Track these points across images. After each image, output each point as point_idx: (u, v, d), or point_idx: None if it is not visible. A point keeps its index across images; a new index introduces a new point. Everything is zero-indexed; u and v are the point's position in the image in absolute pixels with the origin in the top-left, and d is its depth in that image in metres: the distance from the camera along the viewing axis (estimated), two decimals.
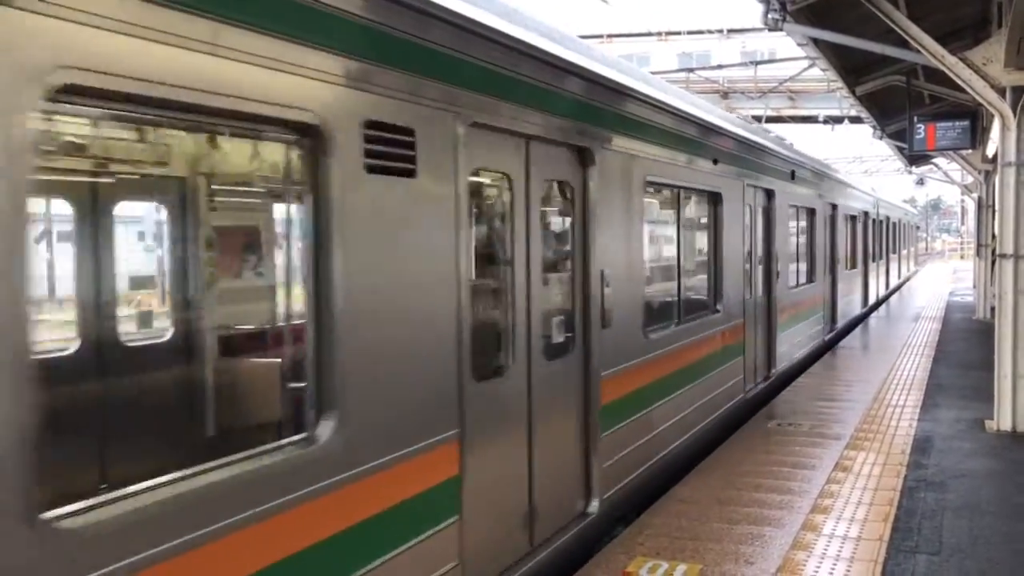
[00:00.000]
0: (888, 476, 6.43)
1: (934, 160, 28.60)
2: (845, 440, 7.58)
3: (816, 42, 10.61)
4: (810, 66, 18.15)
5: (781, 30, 8.31)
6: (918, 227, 44.77)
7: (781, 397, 9.65)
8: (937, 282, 31.50)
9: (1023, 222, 7.51)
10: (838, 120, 33.36)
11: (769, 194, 10.00)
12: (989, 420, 7.92)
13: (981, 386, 9.21)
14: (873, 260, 20.88)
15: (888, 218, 24.63)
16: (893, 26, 7.93)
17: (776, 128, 37.61)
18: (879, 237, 22.16)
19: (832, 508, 5.72)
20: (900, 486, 6.14)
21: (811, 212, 12.66)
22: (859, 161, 53.04)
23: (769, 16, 8.27)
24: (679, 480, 6.46)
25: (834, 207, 14.56)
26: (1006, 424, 7.65)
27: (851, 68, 13.10)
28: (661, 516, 5.60)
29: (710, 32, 46.70)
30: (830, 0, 9.19)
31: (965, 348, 13.10)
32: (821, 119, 37.11)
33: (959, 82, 7.75)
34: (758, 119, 29.31)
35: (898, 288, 27.57)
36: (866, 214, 19.27)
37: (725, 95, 38.21)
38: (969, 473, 6.48)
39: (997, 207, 7.68)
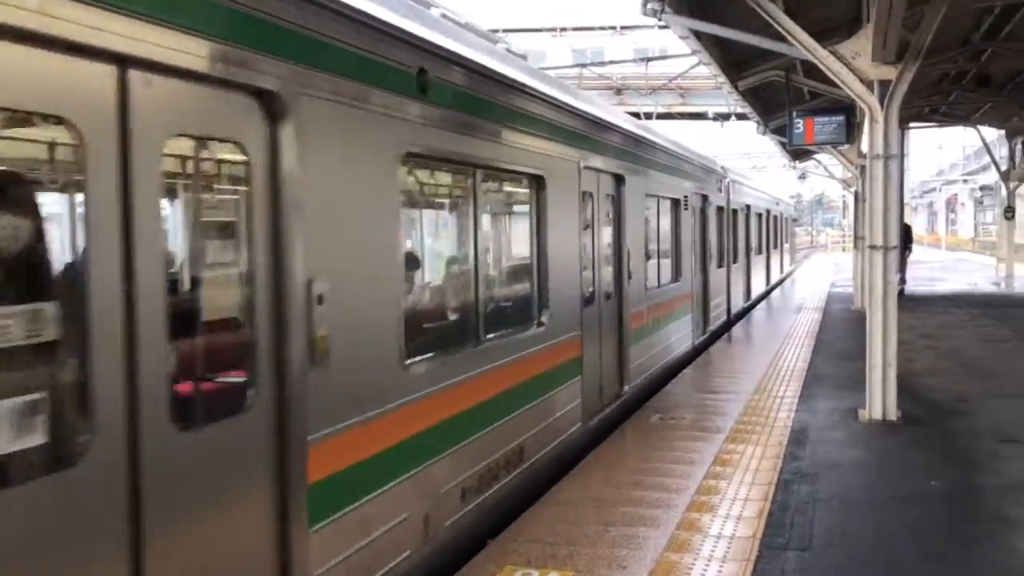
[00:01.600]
0: (765, 469, 6.41)
1: (815, 156, 29.73)
2: (726, 433, 7.58)
3: (698, 36, 10.67)
4: (697, 64, 18.30)
5: (660, 20, 8.23)
6: (796, 220, 42.94)
7: (666, 389, 9.64)
8: (820, 274, 32.73)
9: (891, 214, 7.66)
10: (726, 116, 34.32)
11: (618, 180, 8.47)
12: (862, 409, 8.07)
13: (856, 376, 9.38)
14: (756, 254, 20.46)
15: (768, 211, 23.82)
16: (770, 20, 7.96)
17: (667, 125, 38.42)
18: (760, 231, 21.67)
19: (709, 505, 5.63)
20: (775, 479, 6.13)
21: (676, 203, 11.35)
22: (747, 157, 54.88)
23: (648, 6, 8.19)
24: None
25: (705, 198, 13.49)
26: (876, 413, 7.80)
27: (733, 63, 13.31)
28: (537, 520, 5.38)
29: (602, 28, 47.17)
30: None
31: (843, 338, 13.51)
32: (710, 115, 38.18)
33: (830, 75, 7.85)
34: (649, 116, 29.78)
35: (780, 283, 27.27)
36: (748, 207, 18.62)
37: (618, 91, 38.77)
38: (841, 464, 6.53)
39: (867, 200, 7.81)
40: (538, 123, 6.26)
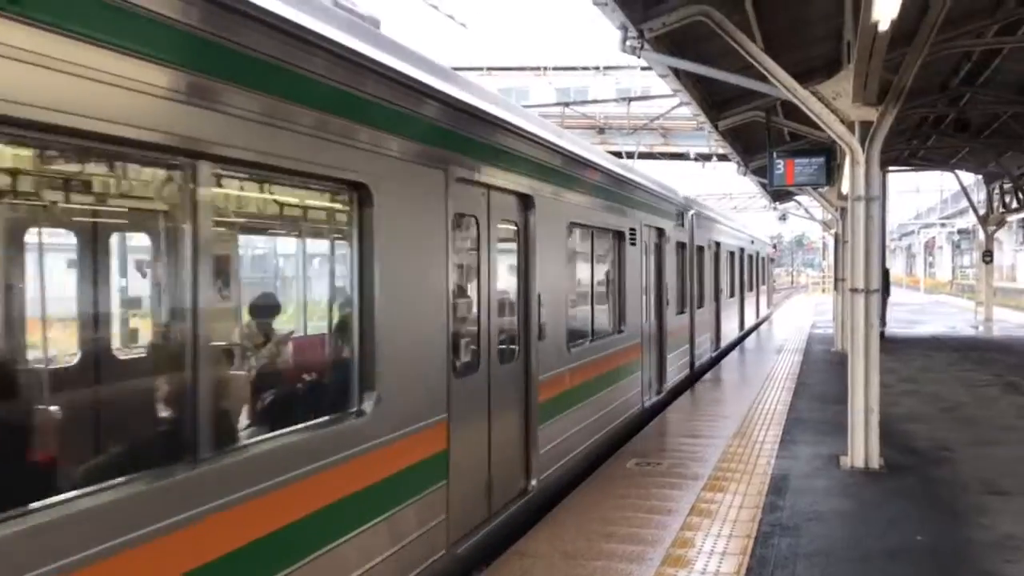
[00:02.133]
0: (744, 520, 6.14)
1: (796, 197, 29.88)
2: (704, 480, 7.31)
3: (677, 74, 10.59)
4: (678, 104, 18.26)
5: (639, 56, 8.11)
6: (773, 260, 39.08)
7: (643, 433, 9.37)
8: (800, 315, 32.69)
9: (873, 256, 7.51)
10: (707, 157, 34.53)
11: (525, 202, 6.44)
12: (844, 456, 7.83)
13: (837, 420, 9.18)
14: (727, 296, 18.54)
15: (742, 250, 21.74)
16: (750, 59, 7.86)
17: (649, 165, 38.60)
18: (732, 271, 19.64)
19: (685, 559, 5.35)
20: (755, 532, 5.85)
21: (619, 236, 9.23)
22: (729, 197, 55.23)
23: (627, 43, 8.06)
24: None
25: (661, 233, 11.48)
26: (859, 461, 7.57)
27: (714, 103, 13.26)
28: (500, 575, 5.08)
29: (584, 68, 47.60)
30: (690, 33, 9.15)
31: (824, 380, 13.32)
32: (692, 156, 38.41)
33: (811, 116, 7.74)
34: (631, 155, 29.86)
35: (755, 329, 24.90)
36: (717, 244, 16.84)
37: (601, 131, 38.97)
38: (823, 515, 6.27)
39: (848, 242, 7.66)
40: (358, 104, 4.15)
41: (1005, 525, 6.04)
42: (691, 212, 13.77)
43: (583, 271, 8.34)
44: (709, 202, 46.73)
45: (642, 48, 8.10)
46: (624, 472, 7.66)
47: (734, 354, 18.15)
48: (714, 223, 16.75)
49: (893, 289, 49.19)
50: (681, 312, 12.99)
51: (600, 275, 8.86)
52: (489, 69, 54.11)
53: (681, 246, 13.04)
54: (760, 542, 5.64)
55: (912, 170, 30.27)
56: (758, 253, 26.81)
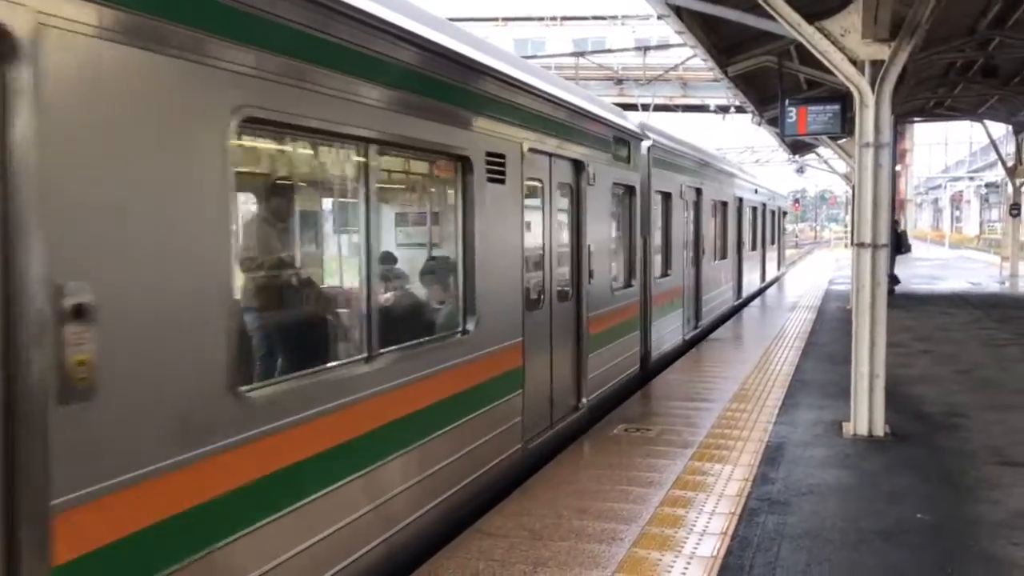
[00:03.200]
0: (730, 494, 5.68)
1: (816, 149, 28.93)
2: (694, 448, 6.85)
3: (680, 16, 9.91)
4: (693, 55, 17.09)
5: None
6: (785, 213, 32.69)
7: (635, 396, 8.91)
8: (819, 271, 31.91)
9: (882, 209, 6.91)
10: (725, 109, 33.54)
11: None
12: (846, 423, 7.33)
13: (845, 382, 8.60)
14: (712, 260, 14.66)
15: (741, 200, 18.16)
16: None
17: (667, 118, 37.60)
18: (726, 226, 16.23)
19: (661, 538, 4.91)
20: (740, 508, 5.39)
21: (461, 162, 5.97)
22: (751, 151, 54.02)
23: None
24: None
25: (579, 169, 7.65)
26: (862, 428, 7.07)
27: (723, 48, 12.54)
28: (457, 557, 4.67)
29: (598, 18, 46.39)
30: None
31: (835, 339, 12.76)
32: (712, 107, 37.39)
33: (818, 55, 7.09)
34: (646, 107, 28.97)
35: (759, 294, 20.93)
36: (698, 191, 13.27)
37: (618, 82, 37.99)
38: (817, 489, 5.79)
39: (855, 192, 7.06)
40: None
41: (1015, 501, 5.54)
42: (645, 144, 9.98)
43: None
44: (730, 155, 45.54)
45: None
46: (609, 439, 7.21)
47: (749, 309, 17.57)
48: (693, 165, 12.97)
49: (916, 244, 48.08)
50: (628, 285, 9.28)
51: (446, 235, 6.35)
52: (504, 20, 53.03)
53: (628, 191, 9.28)
54: (745, 520, 5.18)
55: (938, 120, 29.20)
56: (764, 206, 22.67)
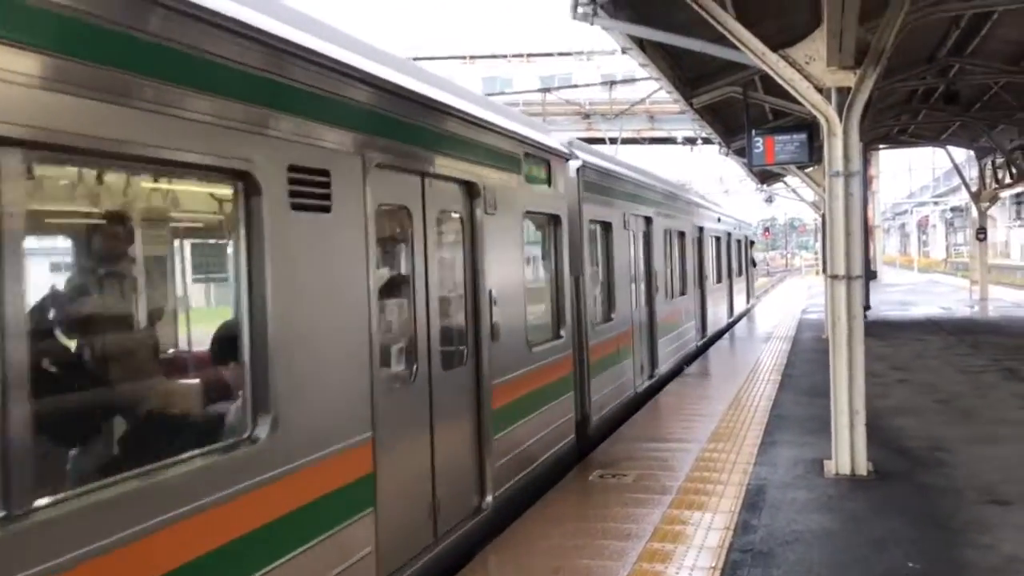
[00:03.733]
0: (711, 546, 5.37)
1: (784, 178, 29.10)
2: (672, 494, 6.54)
3: (643, 48, 9.78)
4: (659, 88, 16.88)
5: (592, 24, 7.31)
6: (753, 243, 29.99)
7: (611, 439, 8.59)
8: (791, 300, 31.92)
9: (854, 238, 6.72)
10: (693, 141, 33.76)
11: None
12: (828, 461, 7.07)
13: (824, 416, 8.39)
14: (666, 297, 12.76)
15: (701, 230, 16.48)
16: (715, 24, 7.04)
17: (636, 151, 37.76)
18: (683, 260, 14.50)
19: None
20: (721, 562, 5.08)
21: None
22: (720, 181, 54.51)
23: (579, 10, 7.26)
24: None
25: (471, 192, 5.95)
26: (844, 467, 6.80)
27: (687, 79, 12.44)
28: None
29: (564, 55, 46.75)
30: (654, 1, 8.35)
31: (811, 371, 12.57)
32: (679, 140, 37.64)
33: (783, 84, 6.94)
34: (614, 141, 29.03)
35: (724, 332, 18.81)
36: (647, 220, 11.67)
37: (586, 116, 38.16)
38: (801, 536, 5.49)
39: (826, 223, 6.87)
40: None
41: (1008, 544, 5.27)
42: (573, 165, 8.28)
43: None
44: (699, 186, 45.74)
45: (595, 15, 7.30)
46: (586, 486, 6.89)
47: (720, 343, 17.37)
48: (640, 191, 11.35)
49: (885, 269, 48.52)
50: (554, 339, 7.51)
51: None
52: (472, 58, 53.30)
53: (550, 220, 7.64)
54: (726, 574, 4.87)
55: (903, 147, 29.53)
56: (729, 235, 21.38)
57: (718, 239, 19.07)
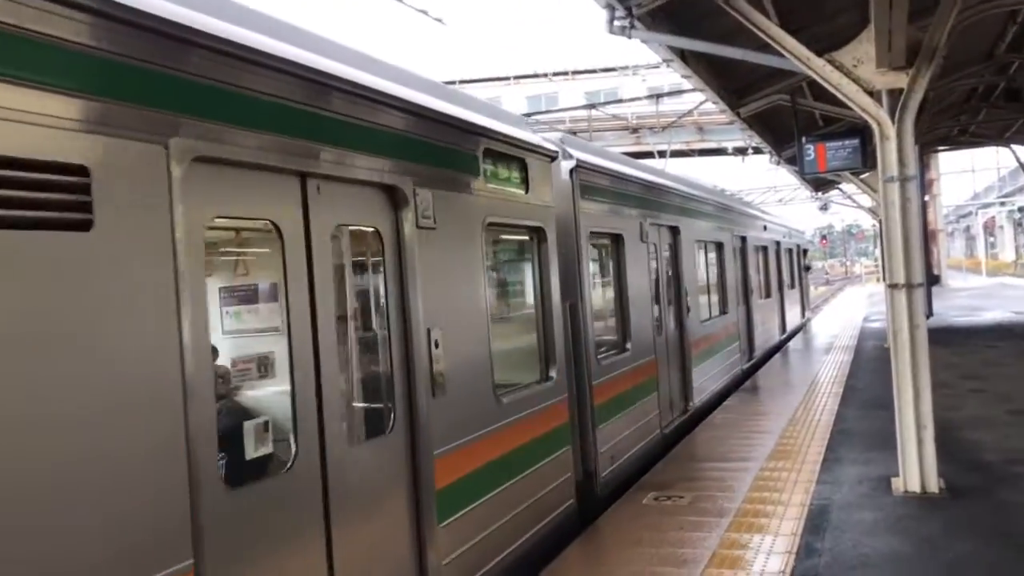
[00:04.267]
0: (771, 572, 5.13)
1: (839, 185, 28.42)
2: (730, 517, 6.30)
3: (685, 59, 9.61)
4: (705, 100, 16.53)
5: (630, 38, 7.19)
6: (806, 252, 27.43)
7: (669, 457, 8.36)
8: (852, 308, 31.06)
9: (913, 245, 6.43)
10: (743, 151, 33.27)
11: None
12: (896, 478, 6.74)
13: (889, 429, 8.06)
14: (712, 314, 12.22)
15: (743, 240, 15.19)
16: (756, 31, 6.86)
17: (684, 163, 37.40)
18: (736, 276, 13.84)
19: None
20: None
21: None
22: (774, 190, 53.58)
23: (615, 23, 7.15)
24: None
25: (392, 195, 4.53)
26: (914, 484, 6.48)
27: (732, 89, 12.21)
28: None
29: (607, 70, 46.69)
30: (694, 10, 8.19)
31: (875, 382, 12.12)
32: (730, 150, 37.17)
33: (830, 88, 6.71)
34: (663, 154, 28.75)
35: (759, 366, 15.39)
36: (673, 230, 10.34)
37: (634, 131, 37.96)
38: (869, 560, 5.22)
39: (883, 230, 6.60)
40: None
41: None
42: (565, 165, 7.01)
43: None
44: (752, 197, 44.91)
45: (632, 27, 7.17)
46: (640, 510, 6.69)
47: (778, 356, 16.93)
48: (661, 197, 9.80)
49: (951, 274, 46.97)
50: (544, 379, 6.25)
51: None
52: (516, 78, 53.59)
53: (532, 234, 6.28)
54: None
55: (964, 148, 28.61)
56: (779, 244, 19.69)
57: (764, 249, 17.53)
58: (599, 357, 7.40)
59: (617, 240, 8.22)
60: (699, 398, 10.75)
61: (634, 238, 8.60)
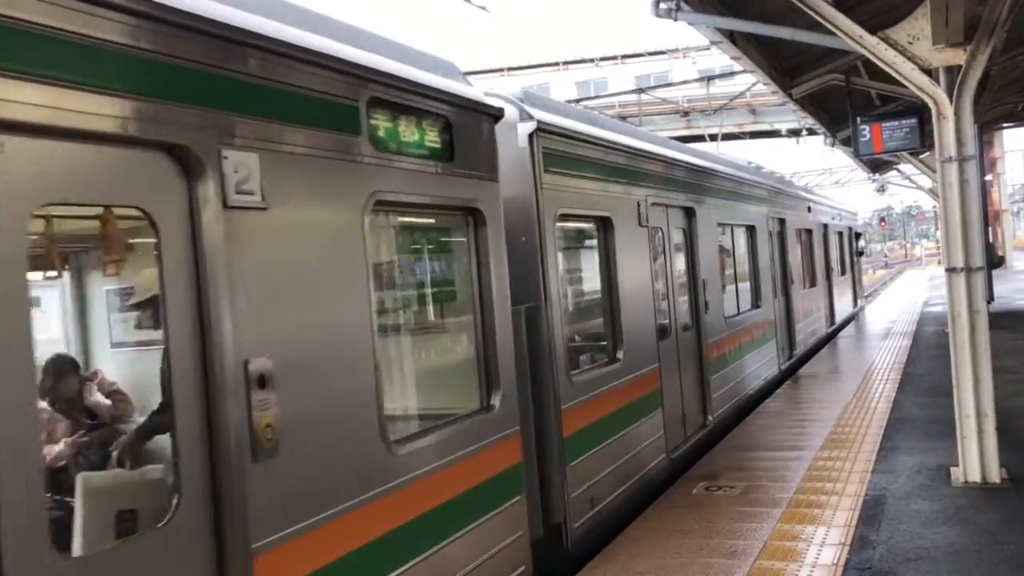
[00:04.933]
0: (824, 563, 5.04)
1: (896, 166, 27.66)
2: (783, 507, 6.20)
3: (734, 40, 9.42)
4: (756, 82, 16.04)
5: (677, 20, 7.07)
6: (859, 235, 24.89)
7: (719, 448, 8.26)
8: (911, 292, 30.25)
9: (972, 227, 6.22)
10: (797, 132, 32.57)
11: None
12: (955, 468, 6.56)
13: (949, 417, 7.82)
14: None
15: (783, 222, 13.51)
16: (807, 10, 6.68)
17: (737, 146, 36.75)
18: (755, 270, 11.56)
19: None
20: None
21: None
22: (829, 172, 52.38)
23: (661, 5, 7.04)
24: None
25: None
26: (973, 474, 6.29)
27: (784, 69, 11.93)
28: None
29: (655, 54, 46.07)
30: None
31: (934, 368, 11.78)
32: (783, 132, 36.41)
33: (884, 67, 6.51)
34: (714, 137, 28.30)
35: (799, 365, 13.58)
36: (688, 213, 8.71)
37: (685, 114, 37.45)
38: (926, 553, 5.08)
39: (940, 212, 6.40)
40: None
41: None
42: (523, 129, 5.56)
43: None
44: (808, 179, 43.76)
45: (678, 10, 7.05)
46: (690, 500, 6.62)
47: (833, 343, 16.58)
48: (665, 171, 8.09)
49: (1017, 256, 45.37)
50: (484, 409, 4.77)
51: None
52: (565, 64, 53.24)
53: (466, 216, 4.83)
54: None
55: None
56: (825, 227, 17.67)
57: (809, 232, 15.71)
58: (573, 373, 5.87)
59: (604, 224, 6.67)
60: (721, 409, 9.08)
61: (629, 222, 7.02)
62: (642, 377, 7.00)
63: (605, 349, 6.68)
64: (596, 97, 33.01)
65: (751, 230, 11.49)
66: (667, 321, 7.83)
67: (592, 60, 36.49)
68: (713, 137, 28.61)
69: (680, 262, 8.55)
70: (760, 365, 11.10)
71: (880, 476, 6.78)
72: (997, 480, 6.30)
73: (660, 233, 7.83)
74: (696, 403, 8.45)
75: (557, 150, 5.81)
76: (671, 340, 7.86)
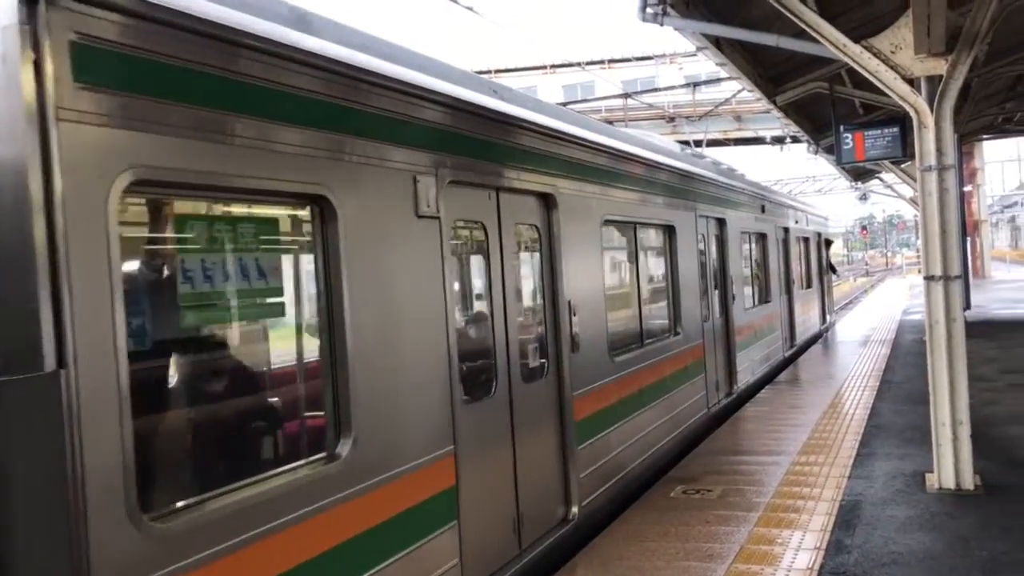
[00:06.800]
0: (799, 568, 5.06)
1: (879, 175, 27.89)
2: (760, 511, 6.23)
3: (719, 46, 9.47)
4: (742, 89, 16.07)
5: (663, 25, 7.09)
6: (830, 242, 22.18)
7: (697, 451, 8.29)
8: (890, 301, 30.50)
9: (951, 236, 6.28)
10: (781, 140, 32.80)
11: None
12: (930, 474, 6.61)
13: (926, 425, 7.89)
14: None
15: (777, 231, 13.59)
16: (793, 17, 6.71)
17: (722, 152, 36.96)
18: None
19: None
20: None
21: None
22: (812, 180, 52.72)
23: (647, 10, 7.05)
24: None
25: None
26: (948, 480, 6.34)
27: (768, 76, 12.01)
28: None
29: (641, 59, 46.25)
30: None
31: (912, 376, 11.89)
32: (768, 139, 36.63)
33: (867, 75, 6.56)
34: (699, 143, 28.43)
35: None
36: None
37: (671, 119, 37.62)
38: (900, 559, 5.12)
39: (920, 220, 6.45)
40: None
41: None
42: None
43: None
44: (791, 186, 44.03)
45: (665, 15, 7.07)
46: (668, 503, 6.63)
47: (813, 349, 16.69)
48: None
49: (995, 266, 45.86)
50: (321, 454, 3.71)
51: None
52: (552, 67, 53.31)
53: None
54: None
55: (1009, 136, 27.88)
56: (786, 231, 15.54)
57: (762, 237, 13.49)
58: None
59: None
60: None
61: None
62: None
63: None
64: (583, 101, 33.05)
65: (670, 231, 8.71)
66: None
67: (579, 64, 36.51)
68: (698, 143, 28.73)
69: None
70: (690, 403, 8.96)
71: (856, 482, 6.83)
72: (971, 487, 6.36)
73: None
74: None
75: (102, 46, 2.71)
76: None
